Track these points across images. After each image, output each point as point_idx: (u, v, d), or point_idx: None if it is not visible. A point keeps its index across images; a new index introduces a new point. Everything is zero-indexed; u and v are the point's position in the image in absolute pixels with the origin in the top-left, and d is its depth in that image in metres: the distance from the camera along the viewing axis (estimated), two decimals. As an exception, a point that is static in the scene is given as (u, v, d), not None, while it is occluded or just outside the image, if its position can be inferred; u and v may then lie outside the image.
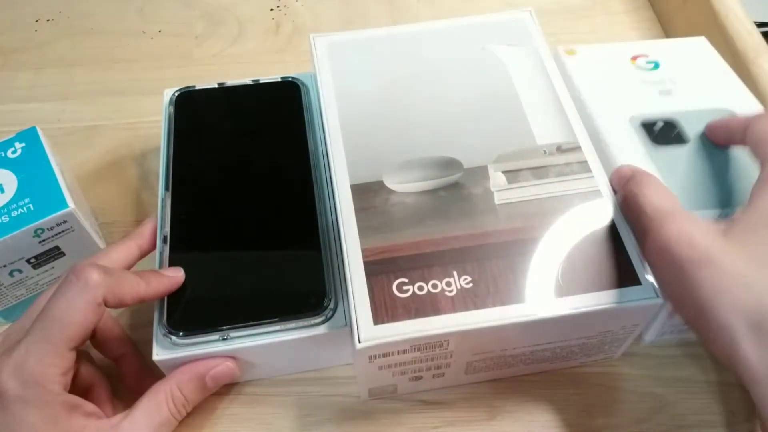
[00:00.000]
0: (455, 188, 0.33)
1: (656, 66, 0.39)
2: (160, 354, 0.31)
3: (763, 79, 0.40)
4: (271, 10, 0.55)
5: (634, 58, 0.39)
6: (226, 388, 0.34)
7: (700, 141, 0.35)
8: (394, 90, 0.37)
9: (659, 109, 0.37)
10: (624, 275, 0.30)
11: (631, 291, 0.29)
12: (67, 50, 0.52)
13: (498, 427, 0.33)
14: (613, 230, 0.31)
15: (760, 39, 0.42)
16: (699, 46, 0.40)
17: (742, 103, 0.37)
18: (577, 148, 0.34)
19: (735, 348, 0.25)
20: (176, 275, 0.32)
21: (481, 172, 0.33)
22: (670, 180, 0.33)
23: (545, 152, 0.34)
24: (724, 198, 0.33)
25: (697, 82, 0.38)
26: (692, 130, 0.36)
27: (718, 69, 0.39)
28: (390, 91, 0.37)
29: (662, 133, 0.35)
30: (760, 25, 0.45)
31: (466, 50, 0.39)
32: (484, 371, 0.33)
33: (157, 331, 0.31)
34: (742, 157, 0.35)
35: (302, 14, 0.55)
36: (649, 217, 0.29)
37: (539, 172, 0.33)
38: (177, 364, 0.31)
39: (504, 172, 0.33)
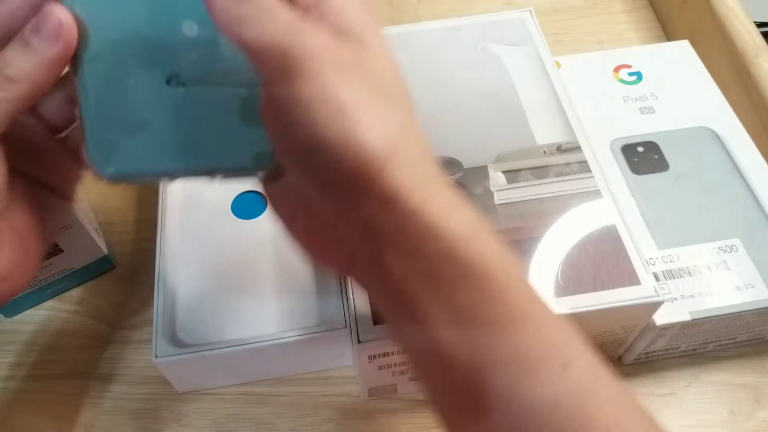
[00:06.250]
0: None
1: (639, 78, 0.39)
2: (160, 355, 0.31)
3: (763, 79, 0.40)
4: (271, 9, 0.55)
5: (617, 69, 0.39)
6: (226, 389, 0.34)
7: (682, 166, 0.35)
8: (394, 90, 0.37)
9: (640, 129, 0.37)
10: (624, 275, 0.30)
11: (631, 291, 0.29)
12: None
13: (498, 427, 0.33)
14: (612, 230, 0.31)
15: (760, 39, 0.42)
16: (682, 52, 0.40)
17: (722, 119, 0.37)
18: (577, 148, 0.34)
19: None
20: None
21: (481, 172, 0.33)
22: (655, 212, 0.33)
23: (545, 152, 0.34)
24: (716, 229, 0.33)
25: (678, 97, 0.38)
26: (673, 153, 0.36)
27: (700, 79, 0.39)
28: (390, 91, 0.37)
29: (643, 158, 0.35)
30: (760, 25, 0.45)
31: (466, 50, 0.39)
32: (484, 371, 0.33)
33: (158, 331, 0.31)
34: (726, 181, 0.34)
35: (302, 14, 0.55)
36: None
37: (539, 172, 0.33)
38: (177, 367, 0.31)
39: (504, 172, 0.33)
